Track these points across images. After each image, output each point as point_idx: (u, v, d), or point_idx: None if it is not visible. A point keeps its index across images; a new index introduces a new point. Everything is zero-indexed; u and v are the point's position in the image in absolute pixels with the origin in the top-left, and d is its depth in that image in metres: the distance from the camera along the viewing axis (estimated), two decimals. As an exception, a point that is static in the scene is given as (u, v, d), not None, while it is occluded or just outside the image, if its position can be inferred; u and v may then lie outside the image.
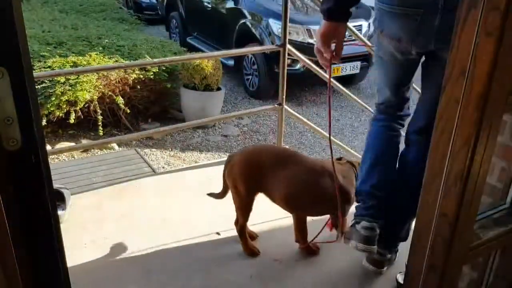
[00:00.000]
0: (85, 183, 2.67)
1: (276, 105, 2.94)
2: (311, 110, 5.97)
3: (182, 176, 2.58)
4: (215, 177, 2.09)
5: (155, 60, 2.82)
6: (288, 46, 2.76)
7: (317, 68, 3.02)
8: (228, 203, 1.98)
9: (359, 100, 3.40)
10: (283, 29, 2.74)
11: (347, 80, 6.54)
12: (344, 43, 5.32)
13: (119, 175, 2.88)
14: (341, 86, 3.23)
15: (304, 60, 3.04)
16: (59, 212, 1.94)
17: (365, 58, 6.13)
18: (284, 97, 2.91)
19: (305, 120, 3.17)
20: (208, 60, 4.88)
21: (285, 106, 2.98)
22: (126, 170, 2.96)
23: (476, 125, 0.97)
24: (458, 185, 1.05)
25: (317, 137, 5.23)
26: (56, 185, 2.09)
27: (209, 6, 7.22)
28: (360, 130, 5.47)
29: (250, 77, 6.38)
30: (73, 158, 4.35)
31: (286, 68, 2.84)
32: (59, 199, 2.00)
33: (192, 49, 8.20)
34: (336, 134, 5.32)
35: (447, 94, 0.98)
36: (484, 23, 0.86)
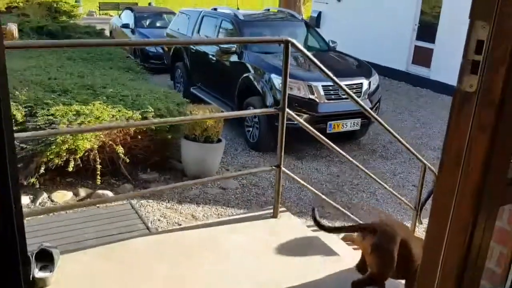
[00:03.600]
0: (76, 239, 2.61)
1: (273, 167, 2.93)
2: (311, 165, 5.96)
3: (176, 237, 2.52)
4: (209, 239, 2.05)
5: (155, 120, 2.86)
6: (288, 110, 2.78)
7: (310, 127, 3.03)
8: (224, 269, 1.93)
9: (352, 160, 3.41)
10: (283, 93, 2.78)
11: (348, 136, 6.58)
12: (346, 101, 5.45)
13: (112, 231, 2.83)
14: (332, 144, 3.25)
15: (301, 122, 3.05)
16: (46, 274, 1.88)
17: (365, 116, 6.18)
18: (282, 158, 2.90)
19: (302, 182, 3.14)
20: (210, 112, 4.93)
21: (283, 168, 2.97)
22: (120, 226, 2.91)
23: (472, 215, 0.95)
24: (455, 273, 1.02)
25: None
26: (45, 243, 2.04)
27: (214, 58, 7.40)
28: (360, 187, 5.44)
29: (250, 129, 6.43)
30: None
31: (284, 130, 2.84)
32: (47, 259, 1.94)
33: (195, 99, 8.33)
34: (336, 191, 5.29)
35: (442, 183, 0.96)
36: (478, 118, 0.86)
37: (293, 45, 2.65)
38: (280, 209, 2.86)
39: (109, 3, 25.47)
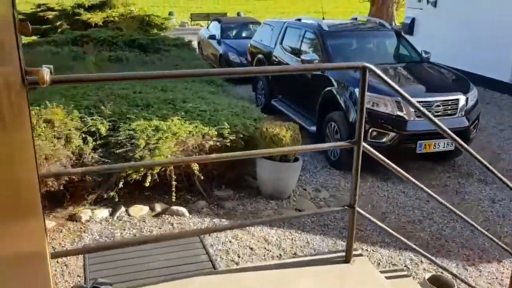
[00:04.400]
0: (133, 276, 2.53)
1: (346, 207, 2.60)
2: (397, 187, 5.49)
3: (239, 277, 2.30)
4: (274, 283, 1.81)
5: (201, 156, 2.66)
6: (364, 144, 2.45)
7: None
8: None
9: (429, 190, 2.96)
10: (359, 125, 2.46)
11: (440, 155, 5.98)
12: (439, 117, 4.92)
13: (176, 263, 2.71)
14: (408, 176, 2.81)
15: (379, 157, 2.67)
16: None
17: (463, 134, 5.56)
18: (357, 197, 2.56)
19: (380, 224, 2.75)
20: (286, 130, 4.71)
21: (357, 208, 2.61)
22: (184, 256, 2.78)
23: None
24: None
25: (404, 219, 4.74)
26: (100, 279, 1.96)
27: (296, 70, 7.18)
28: (453, 215, 4.86)
29: (332, 145, 6.10)
30: (144, 223, 4.34)
31: (359, 166, 2.51)
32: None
33: (276, 111, 8.18)
34: (425, 219, 4.78)
35: None
36: None
37: (371, 71, 2.33)
38: (354, 253, 2.53)
39: (200, 14, 26.45)
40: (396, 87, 2.44)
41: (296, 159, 4.92)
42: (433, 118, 2.86)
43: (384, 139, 5.47)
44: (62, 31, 10.68)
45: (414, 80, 6.26)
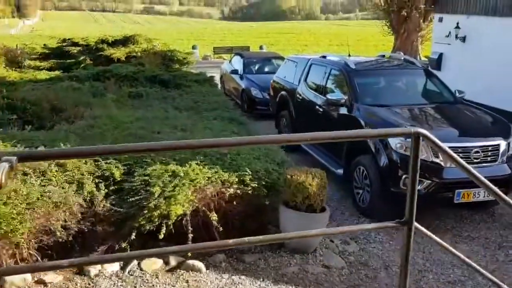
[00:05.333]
0: None
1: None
2: (432, 241, 5.00)
3: None
4: None
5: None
6: (416, 225, 2.07)
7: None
8: None
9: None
10: (409, 203, 2.10)
11: (478, 204, 5.50)
12: (479, 165, 4.47)
13: None
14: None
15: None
16: None
17: (504, 183, 5.10)
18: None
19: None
20: (313, 178, 4.35)
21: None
22: None
23: None
24: None
25: (443, 279, 4.26)
26: None
27: (321, 109, 6.87)
28: (498, 274, 4.35)
29: (360, 191, 5.69)
30: (157, 279, 3.99)
31: (410, 251, 2.12)
32: None
33: (301, 151, 7.84)
34: (467, 279, 4.29)
35: None
36: None
37: (426, 138, 1.98)
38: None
39: (223, 47, 26.69)
40: (454, 155, 2.07)
41: (323, 209, 4.53)
42: (478, 176, 2.43)
43: (419, 187, 5.02)
44: (85, 67, 10.70)
45: (448, 122, 5.84)
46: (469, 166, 2.12)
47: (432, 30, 15.49)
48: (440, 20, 13.30)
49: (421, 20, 22.07)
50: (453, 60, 12.59)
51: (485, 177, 5.04)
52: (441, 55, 13.11)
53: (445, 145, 4.86)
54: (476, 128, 5.61)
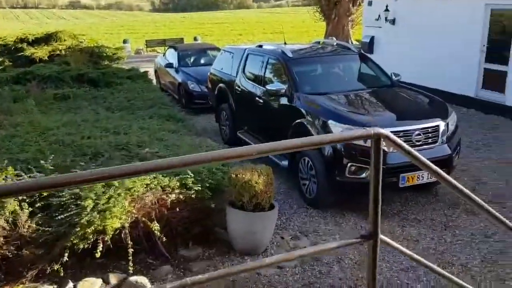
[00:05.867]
0: None
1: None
2: (382, 227, 4.98)
3: None
4: None
5: None
6: (382, 237, 1.89)
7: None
8: None
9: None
10: (373, 216, 1.92)
11: (421, 185, 5.56)
12: (421, 148, 4.44)
13: None
14: None
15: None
16: None
17: (446, 163, 5.18)
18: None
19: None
20: (259, 175, 4.14)
21: (382, 236, 1.97)
22: None
23: None
24: None
25: (395, 267, 4.23)
26: None
27: (261, 100, 6.67)
28: (447, 256, 4.39)
29: (307, 182, 5.58)
30: (96, 300, 3.62)
31: (376, 265, 1.95)
32: None
33: (243, 144, 7.62)
34: (419, 266, 4.27)
35: None
36: None
37: (387, 139, 1.81)
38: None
39: (156, 40, 25.80)
40: (417, 154, 1.92)
41: (271, 206, 4.34)
42: (430, 164, 2.31)
43: (363, 174, 4.99)
44: (4, 69, 9.79)
45: (387, 107, 5.84)
46: (432, 164, 1.97)
47: (362, 14, 15.77)
48: (370, 3, 13.54)
49: (351, 5, 22.49)
50: (384, 42, 12.88)
51: (428, 158, 5.09)
52: (372, 38, 13.36)
53: (387, 130, 4.82)
54: (415, 110, 5.65)
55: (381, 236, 1.87)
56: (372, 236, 1.87)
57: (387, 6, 12.30)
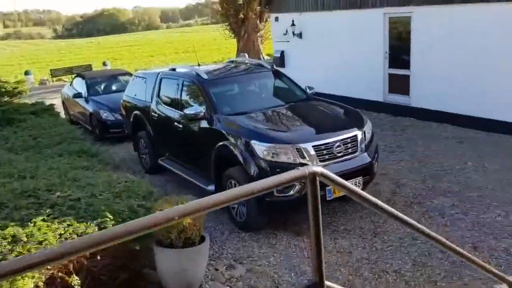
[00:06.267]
0: None
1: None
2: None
3: None
4: None
5: None
6: (328, 284, 1.77)
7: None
8: None
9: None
10: (316, 263, 1.80)
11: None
12: (342, 159, 4.48)
13: None
14: None
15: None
16: None
17: (368, 171, 5.31)
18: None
19: None
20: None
21: (328, 283, 1.82)
22: None
23: None
24: None
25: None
26: None
27: (180, 125, 6.44)
28: (381, 264, 4.45)
29: (236, 205, 5.43)
30: None
31: None
32: None
33: (165, 171, 7.33)
34: (354, 277, 4.28)
35: None
36: None
37: (323, 176, 1.71)
38: None
39: (61, 68, 24.39)
40: (351, 186, 1.84)
41: (202, 239, 4.12)
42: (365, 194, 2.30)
43: (291, 192, 4.95)
44: None
45: (306, 121, 5.88)
46: (366, 194, 1.90)
47: (270, 29, 16.13)
48: (276, 19, 13.88)
49: (258, 21, 23.01)
50: (295, 56, 13.24)
51: (350, 168, 5.18)
52: (282, 52, 13.69)
53: (309, 144, 4.78)
54: (333, 122, 5.75)
55: (327, 283, 1.75)
56: (317, 286, 1.74)
57: (293, 21, 12.67)
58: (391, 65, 10.50)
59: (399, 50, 10.23)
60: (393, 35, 10.38)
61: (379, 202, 2.05)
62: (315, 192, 1.65)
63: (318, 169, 1.65)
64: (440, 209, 5.49)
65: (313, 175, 1.61)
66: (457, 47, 8.83)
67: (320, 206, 1.70)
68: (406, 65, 10.07)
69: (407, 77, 10.13)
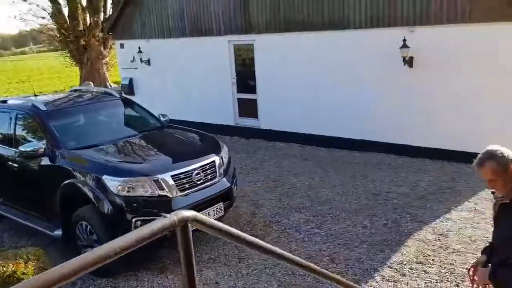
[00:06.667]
0: None
1: None
2: (178, 277, 4.73)
3: None
4: None
5: None
6: None
7: None
8: None
9: None
10: None
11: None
12: (203, 186, 4.38)
13: None
14: None
15: None
16: None
17: (228, 196, 5.30)
18: None
19: None
20: (26, 263, 3.37)
21: None
22: None
23: None
24: None
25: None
26: None
27: (16, 164, 5.64)
28: (247, 289, 4.42)
29: (89, 249, 4.89)
30: None
31: None
32: None
33: (1, 219, 6.37)
34: (223, 307, 4.16)
35: None
36: None
37: (195, 221, 1.54)
38: None
39: None
40: (230, 228, 1.70)
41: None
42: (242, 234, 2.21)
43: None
44: None
45: (162, 150, 5.64)
46: (242, 234, 1.79)
47: (116, 56, 15.49)
48: (122, 46, 13.39)
49: (102, 48, 21.99)
50: (144, 83, 12.89)
51: (211, 195, 5.10)
52: (131, 80, 13.22)
53: (167, 175, 4.57)
54: (190, 150, 5.63)
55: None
56: None
57: (140, 48, 12.36)
58: (239, 90, 10.90)
59: (245, 76, 10.69)
60: (239, 61, 10.81)
61: (256, 240, 1.98)
62: (187, 241, 1.48)
63: (190, 214, 1.49)
64: (297, 226, 5.75)
65: (184, 221, 1.45)
66: (293, 72, 9.57)
67: (194, 256, 1.54)
68: (252, 89, 10.55)
69: (254, 101, 10.61)
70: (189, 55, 11.51)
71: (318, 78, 9.26)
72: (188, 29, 11.39)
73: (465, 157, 7.76)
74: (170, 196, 4.77)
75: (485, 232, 5.14)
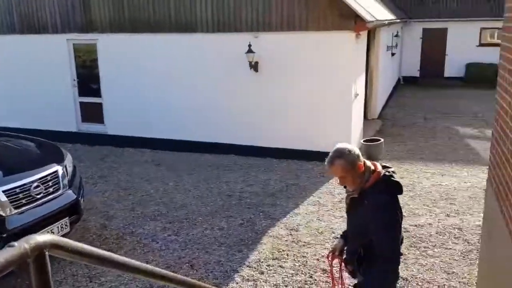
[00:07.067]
0: None
1: None
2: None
3: None
4: None
5: None
6: None
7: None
8: None
9: None
10: None
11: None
12: (44, 200, 3.91)
13: None
14: None
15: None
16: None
17: (74, 210, 4.78)
18: None
19: None
20: None
21: None
22: None
23: None
24: None
25: None
26: None
27: None
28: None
29: None
30: None
31: None
32: None
33: None
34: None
35: None
36: None
37: (56, 248, 1.22)
38: None
39: None
40: (99, 251, 1.42)
41: None
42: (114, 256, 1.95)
43: None
44: None
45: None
46: (115, 256, 1.52)
47: None
48: None
49: None
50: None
51: (54, 210, 4.56)
52: None
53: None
54: (26, 160, 4.93)
55: None
56: None
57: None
58: (81, 93, 10.06)
59: (88, 77, 9.92)
60: (80, 62, 9.98)
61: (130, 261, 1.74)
62: (44, 275, 1.18)
63: (46, 238, 1.17)
64: (153, 234, 5.50)
65: (39, 249, 1.14)
66: (141, 75, 9.23)
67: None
68: (97, 93, 9.85)
69: (99, 105, 9.92)
70: (21, 55, 10.23)
71: (166, 82, 9.07)
72: (18, 25, 10.11)
73: (306, 155, 8.55)
74: (3, 214, 4.11)
75: (329, 223, 5.61)
